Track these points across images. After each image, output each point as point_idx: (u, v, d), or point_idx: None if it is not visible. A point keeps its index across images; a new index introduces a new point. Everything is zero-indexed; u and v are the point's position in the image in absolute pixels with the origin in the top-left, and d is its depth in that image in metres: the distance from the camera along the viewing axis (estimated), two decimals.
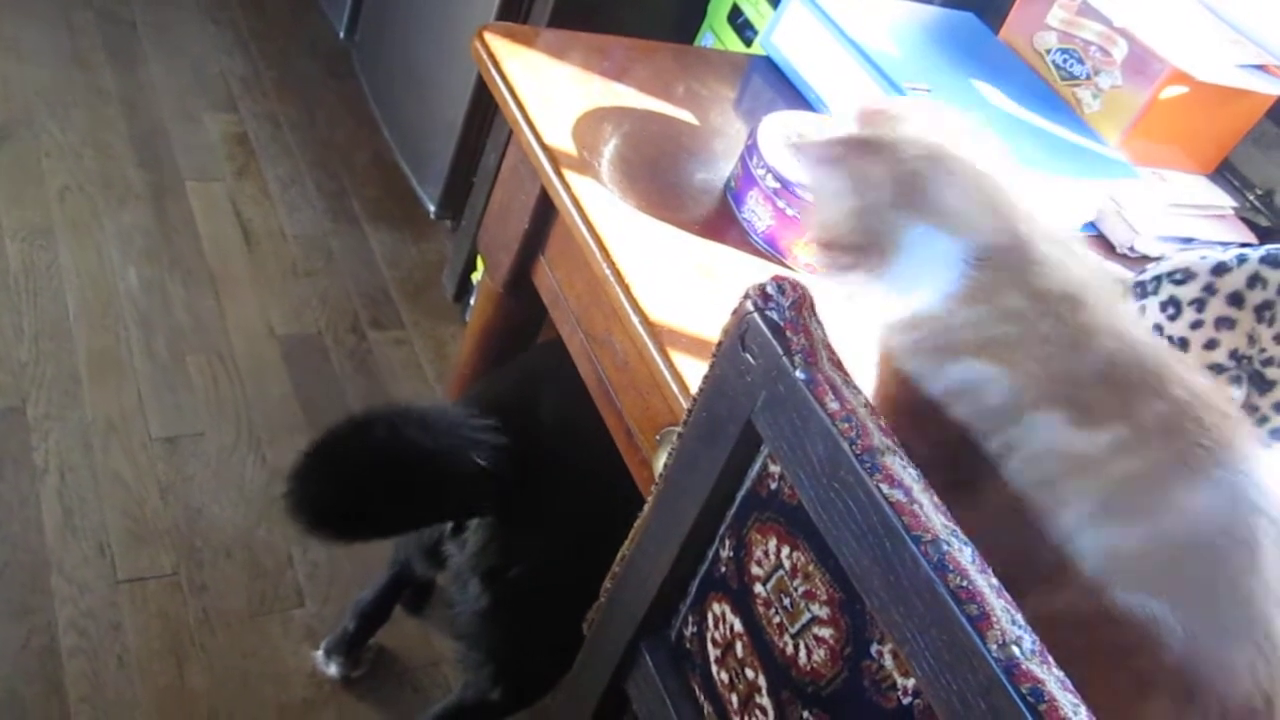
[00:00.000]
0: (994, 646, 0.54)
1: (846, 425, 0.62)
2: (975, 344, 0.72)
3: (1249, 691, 0.66)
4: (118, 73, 2.41)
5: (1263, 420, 1.15)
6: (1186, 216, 1.41)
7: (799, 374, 0.64)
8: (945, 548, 0.57)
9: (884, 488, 0.59)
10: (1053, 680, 0.53)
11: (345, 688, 1.60)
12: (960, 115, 0.80)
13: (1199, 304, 1.14)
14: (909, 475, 0.60)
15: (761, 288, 0.68)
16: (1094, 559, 0.68)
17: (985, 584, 0.56)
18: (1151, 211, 1.36)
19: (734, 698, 0.78)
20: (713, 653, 0.80)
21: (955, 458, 0.72)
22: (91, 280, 1.96)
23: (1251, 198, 1.51)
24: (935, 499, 0.59)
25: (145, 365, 1.86)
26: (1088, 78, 1.42)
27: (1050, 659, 0.54)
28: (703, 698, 0.83)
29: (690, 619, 0.83)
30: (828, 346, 0.66)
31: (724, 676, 0.79)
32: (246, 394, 1.89)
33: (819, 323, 0.67)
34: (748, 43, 1.79)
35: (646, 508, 0.84)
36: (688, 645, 0.84)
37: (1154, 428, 0.68)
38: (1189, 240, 1.38)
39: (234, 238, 2.15)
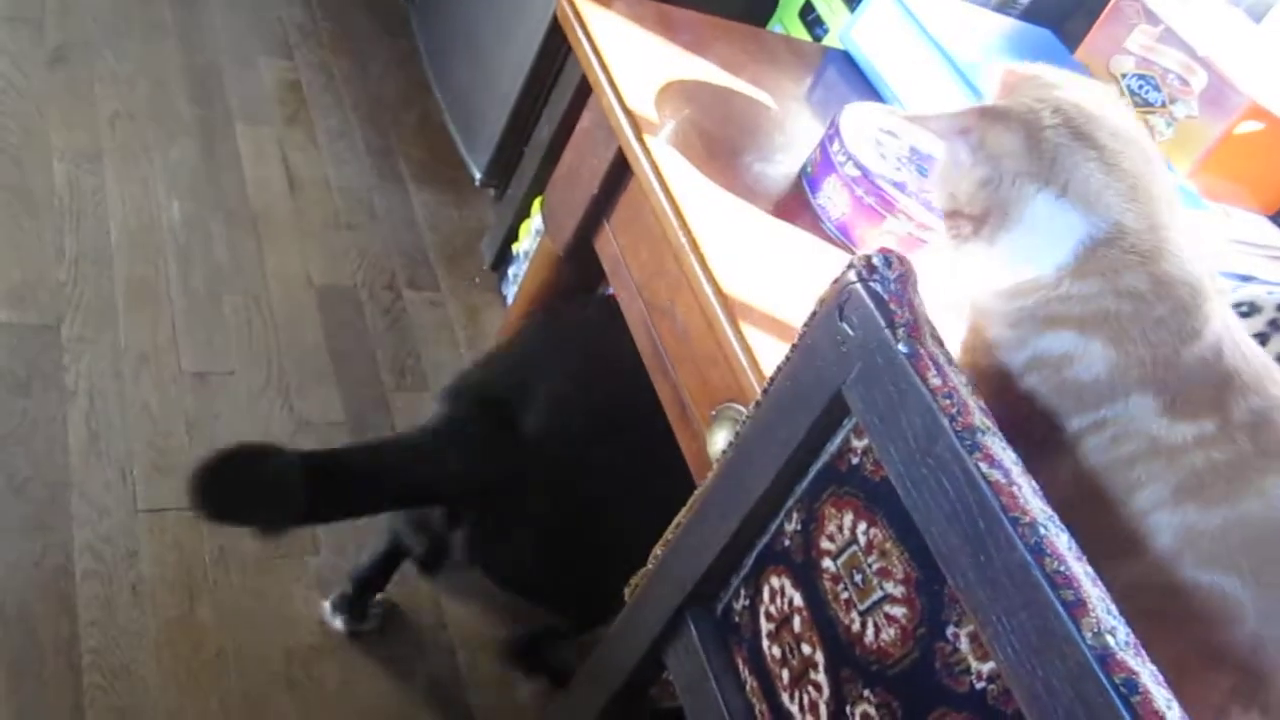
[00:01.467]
0: (1089, 634, 0.53)
1: (948, 402, 0.61)
2: (1079, 318, 0.70)
3: None
4: (177, 7, 2.40)
5: None
6: (1247, 254, 1.40)
7: (901, 347, 0.63)
8: (1043, 531, 0.56)
9: (983, 466, 0.58)
10: (1147, 673, 0.52)
11: (351, 641, 1.59)
12: (1107, 89, 0.77)
13: (1262, 338, 1.13)
14: (1008, 457, 0.59)
15: (867, 259, 0.67)
16: (1168, 536, 0.68)
17: (1082, 571, 0.55)
18: (1216, 246, 1.36)
19: (785, 673, 0.77)
20: (765, 626, 0.79)
21: (1027, 431, 0.72)
22: (135, 209, 1.95)
23: None
24: (1034, 483, 0.59)
25: (181, 299, 1.86)
26: (1163, 105, 1.41)
27: (1145, 653, 0.53)
28: (746, 672, 0.82)
29: (742, 591, 0.83)
30: (930, 323, 0.65)
31: (776, 651, 0.78)
32: (279, 339, 1.88)
33: (922, 299, 0.66)
34: (817, 39, 1.79)
35: (710, 476, 0.83)
36: (736, 618, 0.83)
37: (1245, 424, 0.68)
38: (1247, 278, 1.37)
39: (279, 183, 2.15)
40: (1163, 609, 0.66)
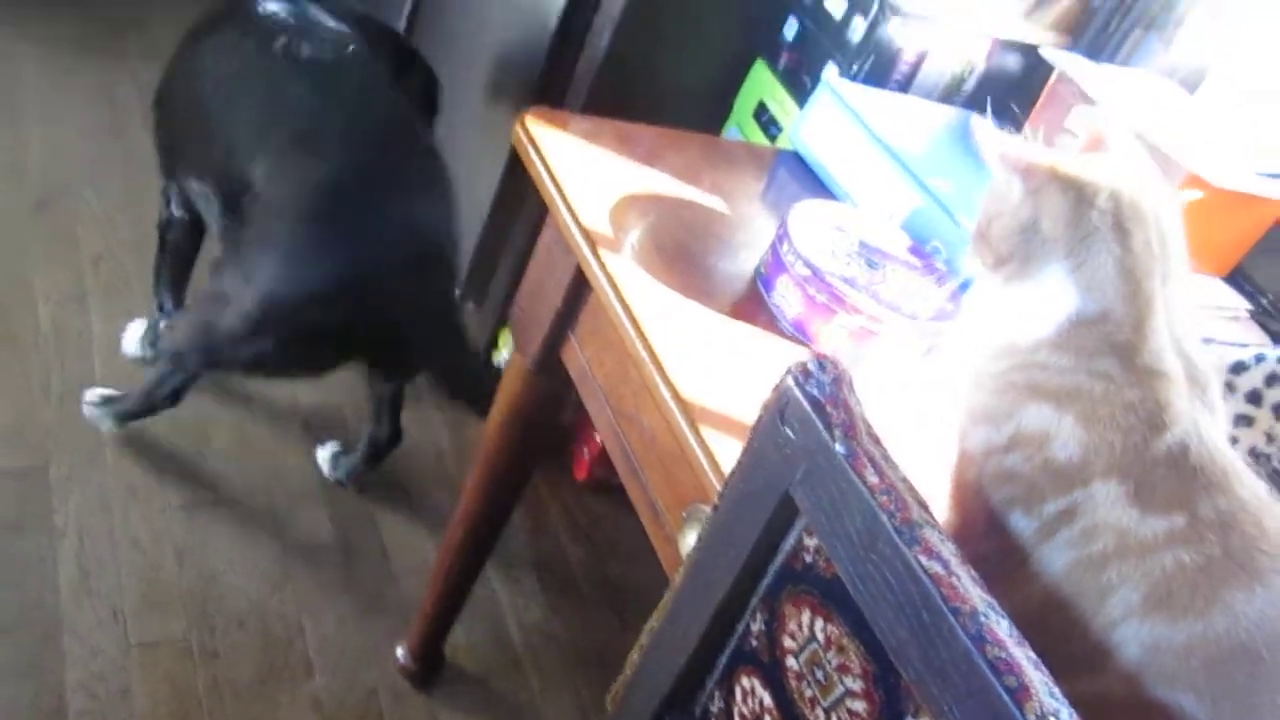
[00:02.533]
0: (1032, 718, 0.54)
1: (886, 498, 0.63)
2: (1056, 390, 0.73)
3: None
4: None
5: None
6: (1204, 317, 1.43)
7: (839, 448, 0.66)
8: (983, 619, 0.58)
9: (922, 559, 0.60)
10: None
11: None
12: (1170, 189, 0.80)
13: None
14: (947, 548, 0.61)
15: (803, 364, 0.70)
16: (1134, 649, 0.68)
17: (1023, 656, 0.57)
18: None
19: None
20: None
21: (1002, 529, 0.73)
22: (119, 345, 1.99)
23: (1265, 302, 1.54)
24: (973, 572, 0.61)
25: (169, 431, 1.88)
26: None
27: None
28: None
29: (717, 694, 0.84)
30: (866, 421, 0.68)
31: None
32: (266, 464, 1.91)
33: (858, 399, 0.69)
34: (772, 139, 1.85)
35: (678, 579, 0.84)
36: None
37: (1213, 523, 0.69)
38: (1205, 340, 1.40)
39: None
40: None
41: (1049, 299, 0.75)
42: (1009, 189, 0.77)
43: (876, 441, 0.67)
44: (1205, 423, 0.73)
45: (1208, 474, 0.70)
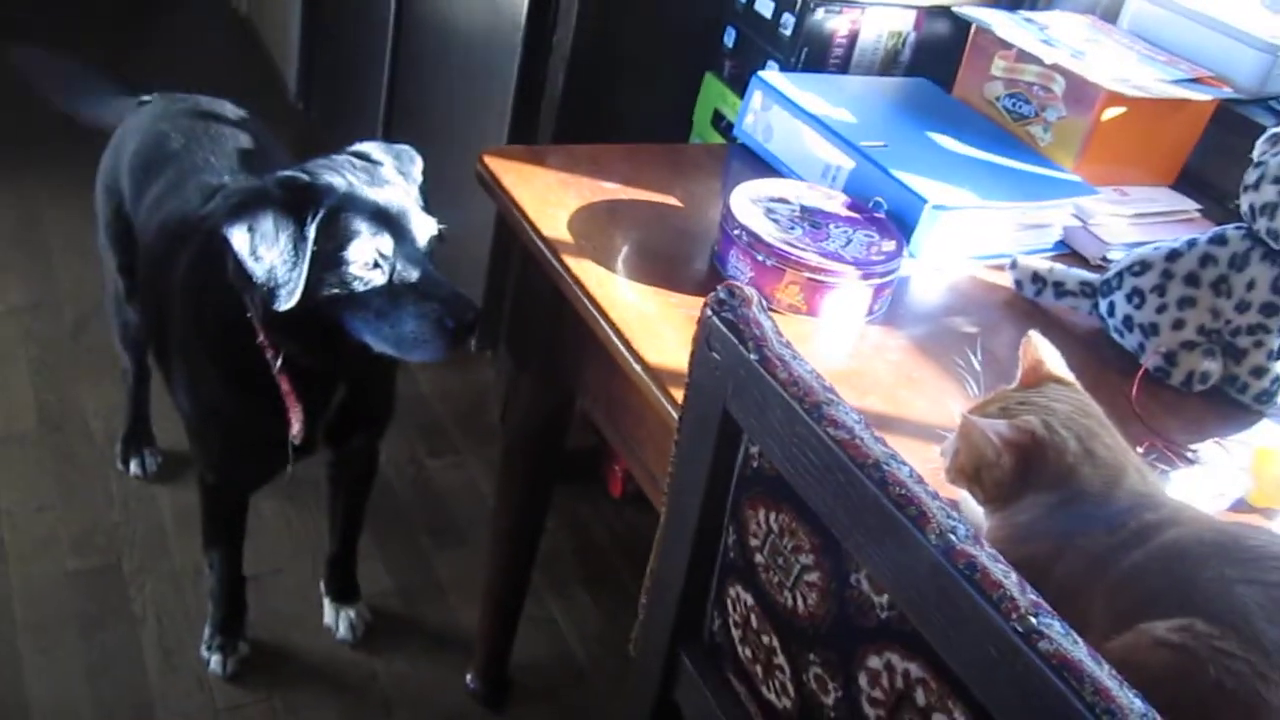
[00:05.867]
0: (933, 536, 0.63)
1: (795, 389, 0.73)
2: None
3: None
4: None
5: (1243, 387, 1.23)
6: (1154, 224, 1.51)
7: (752, 356, 0.76)
8: (885, 468, 0.67)
9: (830, 430, 0.70)
10: (984, 555, 0.62)
11: None
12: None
13: (1159, 289, 1.23)
14: (850, 417, 0.70)
15: (715, 295, 0.80)
16: None
17: (922, 491, 0.66)
18: (1117, 222, 1.47)
19: (758, 669, 0.87)
20: (735, 635, 0.89)
21: None
22: (172, 443, 2.13)
23: (1233, 206, 1.59)
24: (875, 433, 0.70)
25: None
26: (1036, 115, 1.55)
27: (983, 540, 0.63)
28: (736, 683, 0.92)
29: (715, 614, 0.93)
30: (777, 331, 0.78)
31: (747, 653, 0.88)
32: (319, 530, 2.02)
33: (767, 314, 0.79)
34: (732, 142, 1.96)
35: (663, 517, 0.94)
36: (717, 639, 0.93)
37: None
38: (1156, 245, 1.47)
39: None
40: None
41: (1035, 509, 0.85)
42: (996, 454, 0.85)
43: (787, 345, 0.77)
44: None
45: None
